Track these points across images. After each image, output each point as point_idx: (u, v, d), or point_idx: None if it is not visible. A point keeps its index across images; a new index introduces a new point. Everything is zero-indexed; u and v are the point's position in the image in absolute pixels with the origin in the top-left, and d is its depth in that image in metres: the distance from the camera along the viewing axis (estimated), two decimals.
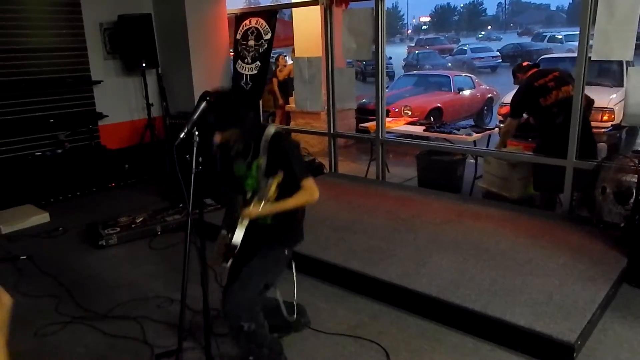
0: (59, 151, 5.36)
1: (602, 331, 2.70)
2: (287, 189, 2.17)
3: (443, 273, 3.11)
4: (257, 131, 2.29)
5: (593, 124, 4.65)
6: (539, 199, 4.53)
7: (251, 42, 5.91)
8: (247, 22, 5.99)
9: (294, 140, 2.49)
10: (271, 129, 2.28)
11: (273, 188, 2.06)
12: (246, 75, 5.99)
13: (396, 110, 8.83)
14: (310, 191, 2.22)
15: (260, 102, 6.32)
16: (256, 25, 5.91)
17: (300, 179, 2.20)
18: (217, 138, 2.19)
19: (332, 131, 5.54)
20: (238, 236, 2.16)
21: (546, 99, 4.11)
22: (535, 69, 4.37)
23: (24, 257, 3.95)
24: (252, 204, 2.14)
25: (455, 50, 28.50)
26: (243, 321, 2.22)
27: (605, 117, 6.46)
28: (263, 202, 2.08)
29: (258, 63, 5.87)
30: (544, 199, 4.47)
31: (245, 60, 5.96)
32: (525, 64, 4.56)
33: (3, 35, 4.95)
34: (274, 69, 8.95)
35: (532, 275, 3.03)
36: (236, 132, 2.23)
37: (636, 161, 3.49)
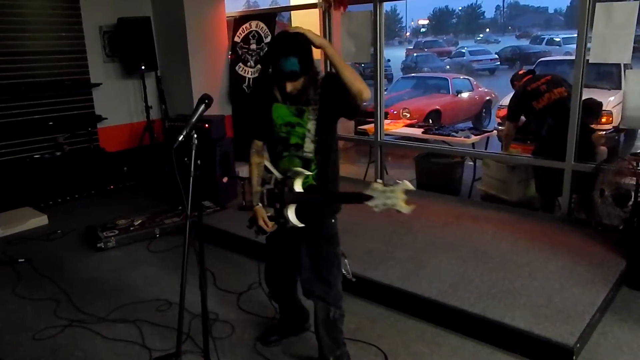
0: (58, 154, 5.35)
1: (601, 334, 2.70)
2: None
3: (442, 276, 3.11)
4: (316, 77, 2.12)
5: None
6: (538, 201, 4.54)
7: (253, 46, 5.99)
8: (247, 25, 6.01)
9: None
10: (321, 74, 2.19)
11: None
12: (248, 78, 6.06)
13: (395, 112, 8.85)
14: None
15: None
16: (257, 29, 5.96)
17: None
18: (289, 87, 2.03)
19: None
20: (293, 218, 2.15)
21: (539, 102, 4.17)
22: (530, 76, 4.46)
23: (23, 260, 3.93)
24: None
25: (453, 52, 28.52)
26: (332, 307, 2.33)
27: (603, 120, 6.48)
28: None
29: (259, 66, 5.93)
30: (542, 202, 4.48)
31: (249, 64, 6.03)
32: (521, 72, 4.65)
33: (3, 39, 4.94)
34: None
35: (531, 278, 3.03)
36: (306, 80, 2.06)
37: (634, 164, 3.50)
